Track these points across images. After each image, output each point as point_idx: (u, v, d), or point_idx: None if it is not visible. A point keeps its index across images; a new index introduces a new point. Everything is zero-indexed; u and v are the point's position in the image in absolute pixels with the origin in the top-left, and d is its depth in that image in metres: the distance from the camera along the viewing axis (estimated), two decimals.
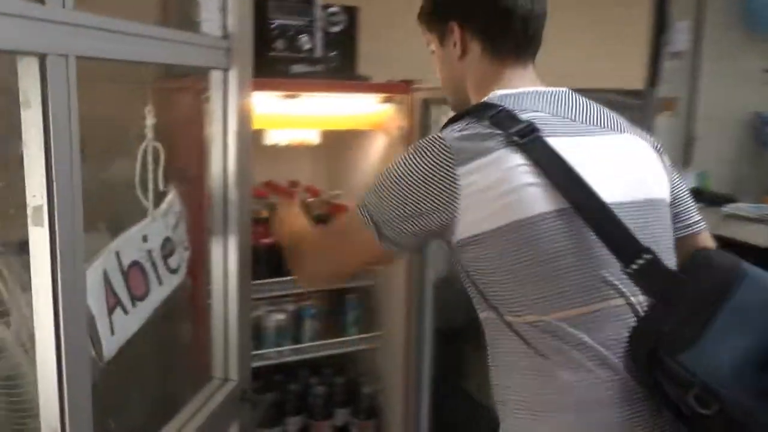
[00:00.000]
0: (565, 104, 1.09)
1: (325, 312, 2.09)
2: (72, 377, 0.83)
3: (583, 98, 1.13)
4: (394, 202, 1.04)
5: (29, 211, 0.79)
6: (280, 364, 2.00)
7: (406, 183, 1.03)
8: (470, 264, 1.03)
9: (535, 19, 1.14)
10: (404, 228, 1.04)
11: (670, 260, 1.08)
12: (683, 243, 1.14)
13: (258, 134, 1.92)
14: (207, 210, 1.32)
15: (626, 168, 1.07)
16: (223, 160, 1.29)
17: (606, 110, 1.13)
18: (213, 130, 1.28)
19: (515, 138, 0.99)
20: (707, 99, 3.33)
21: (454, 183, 0.99)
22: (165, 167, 1.18)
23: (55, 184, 0.80)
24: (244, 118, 1.30)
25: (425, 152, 1.02)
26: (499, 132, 1.01)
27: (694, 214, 1.19)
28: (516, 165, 0.98)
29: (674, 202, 1.15)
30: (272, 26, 1.90)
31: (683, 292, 0.99)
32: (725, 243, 2.98)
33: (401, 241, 1.07)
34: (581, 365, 0.98)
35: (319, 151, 2.22)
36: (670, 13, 3.13)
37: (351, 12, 2.04)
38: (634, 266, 0.97)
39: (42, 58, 0.77)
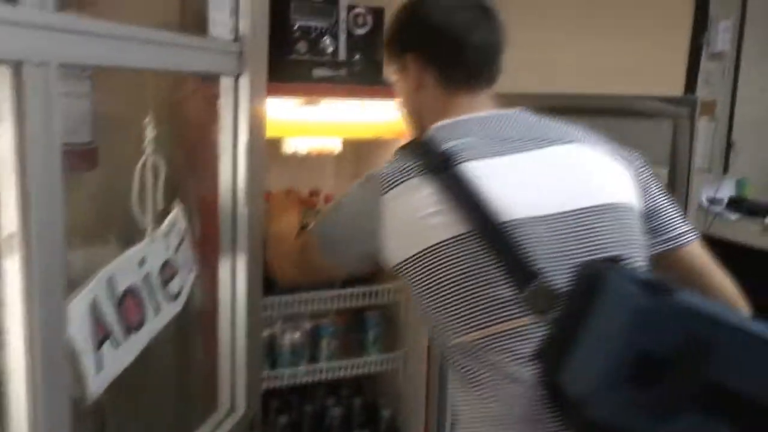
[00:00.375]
0: (503, 125, 1.09)
1: (343, 330, 1.98)
2: (49, 425, 0.73)
3: (534, 117, 1.12)
4: (338, 229, 1.15)
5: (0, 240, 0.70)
6: (295, 385, 1.90)
7: (346, 212, 1.14)
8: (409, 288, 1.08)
9: (490, 48, 1.14)
10: (346, 252, 1.14)
11: (636, 262, 1.05)
12: (670, 257, 1.13)
13: (277, 142, 1.82)
14: (217, 225, 1.23)
15: (569, 176, 1.05)
16: (232, 172, 1.19)
17: (558, 125, 1.11)
18: (222, 140, 1.18)
19: (430, 167, 1.02)
20: (747, 102, 3.17)
21: (380, 211, 1.04)
22: (171, 181, 1.10)
23: (32, 209, 0.70)
24: (257, 127, 1.20)
25: (365, 183, 1.10)
26: (418, 163, 1.03)
27: (679, 225, 1.14)
28: (426, 194, 1.00)
29: (654, 214, 1.12)
30: (294, 28, 1.80)
31: (562, 312, 0.96)
32: (765, 257, 2.83)
33: (348, 263, 1.18)
34: (498, 384, 1.00)
35: (343, 159, 2.12)
36: (711, 11, 2.98)
37: (377, 13, 1.93)
38: (525, 292, 0.97)
39: (17, 67, 0.68)
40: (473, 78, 1.13)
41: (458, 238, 0.97)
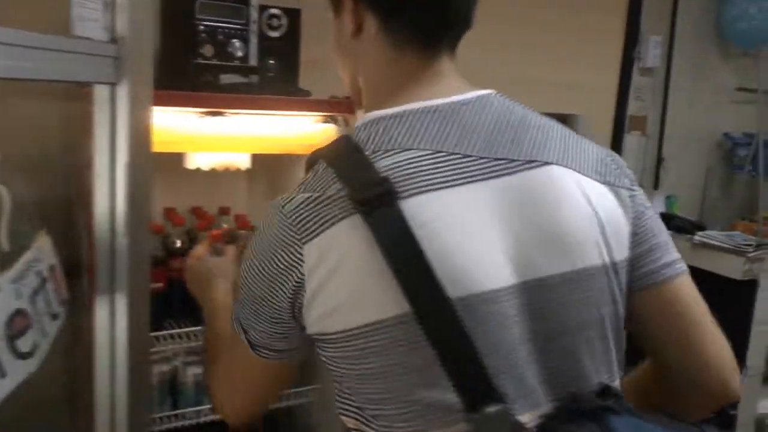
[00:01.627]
0: (466, 127, 0.77)
1: None
2: None
3: (507, 110, 0.81)
4: (248, 297, 0.80)
5: None
6: (200, 424, 1.71)
7: (253, 273, 0.79)
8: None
9: None
10: (266, 330, 0.80)
11: (590, 349, 0.79)
12: (647, 297, 0.85)
13: (180, 157, 1.64)
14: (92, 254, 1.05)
15: (543, 222, 0.76)
16: (110, 197, 1.01)
17: (537, 126, 0.81)
18: (98, 160, 1.00)
19: (359, 201, 0.72)
20: (677, 118, 3.14)
21: (299, 265, 0.74)
22: (39, 209, 0.91)
23: None
24: (140, 144, 1.02)
25: (266, 228, 0.78)
26: (343, 193, 0.73)
27: (662, 255, 0.86)
28: (354, 249, 0.71)
29: (636, 244, 0.84)
30: (199, 28, 1.62)
31: None
32: (694, 274, 2.80)
33: (276, 347, 0.82)
34: None
35: (256, 174, 1.94)
36: (642, 27, 2.93)
37: (293, 15, 1.77)
38: (477, 415, 0.70)
39: None
40: (430, 31, 0.80)
41: (399, 318, 0.71)
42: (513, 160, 0.77)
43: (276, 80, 1.72)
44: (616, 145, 2.99)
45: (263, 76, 1.70)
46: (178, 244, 1.69)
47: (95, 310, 1.05)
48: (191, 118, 1.49)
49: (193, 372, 1.66)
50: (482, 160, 0.76)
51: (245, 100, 1.54)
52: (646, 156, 3.10)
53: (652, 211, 0.88)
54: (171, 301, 1.67)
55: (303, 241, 0.73)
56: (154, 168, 1.05)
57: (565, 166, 0.79)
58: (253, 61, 1.68)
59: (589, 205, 0.79)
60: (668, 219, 3.02)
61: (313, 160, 0.79)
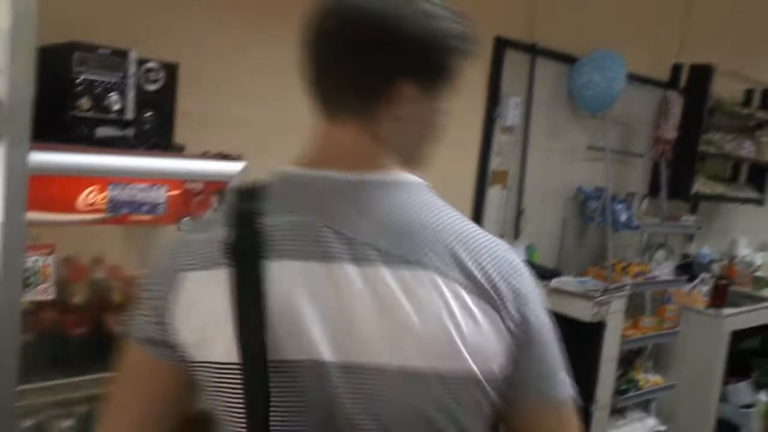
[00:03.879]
0: (352, 206, 0.80)
1: None
2: None
3: (403, 205, 0.82)
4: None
5: None
6: None
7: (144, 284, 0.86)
8: None
9: (366, 43, 0.79)
10: (145, 321, 0.84)
11: None
12: (523, 417, 0.86)
13: None
14: None
15: (396, 317, 0.77)
16: None
17: (430, 232, 0.80)
18: None
19: (235, 250, 0.78)
20: (535, 173, 3.41)
21: (173, 287, 0.81)
22: None
23: None
24: (16, 204, 1.05)
25: (166, 247, 0.87)
26: (221, 235, 0.79)
27: (544, 377, 0.86)
28: (210, 294, 0.78)
29: (517, 362, 0.83)
30: (76, 81, 1.65)
31: None
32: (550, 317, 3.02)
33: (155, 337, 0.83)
34: None
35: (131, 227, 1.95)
36: (503, 88, 3.19)
37: (171, 69, 1.83)
38: None
39: None
40: (327, 91, 0.83)
41: (227, 367, 0.77)
42: (385, 252, 0.78)
43: (151, 133, 1.76)
44: (479, 198, 3.21)
45: (139, 129, 1.74)
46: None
47: None
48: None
49: (60, 426, 1.64)
50: (348, 245, 0.78)
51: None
52: (507, 208, 3.34)
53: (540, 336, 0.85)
54: (40, 353, 1.64)
55: (178, 268, 0.81)
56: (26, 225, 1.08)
57: (441, 271, 0.78)
58: (129, 115, 1.72)
59: (451, 317, 0.77)
60: (528, 266, 3.27)
61: (225, 195, 0.86)
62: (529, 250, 3.40)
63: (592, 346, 3.04)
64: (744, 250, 4.77)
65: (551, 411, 0.86)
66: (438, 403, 0.78)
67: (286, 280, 0.77)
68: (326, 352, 0.76)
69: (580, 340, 3.15)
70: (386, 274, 0.77)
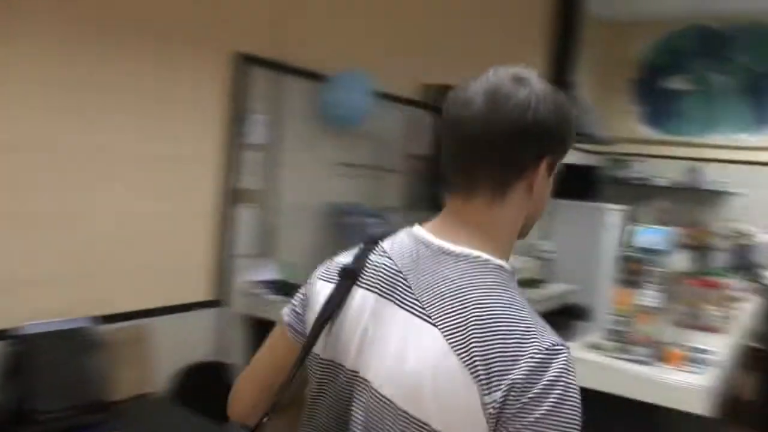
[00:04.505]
0: (424, 264, 0.98)
1: None
2: None
3: (455, 274, 0.94)
4: None
5: None
6: None
7: None
8: None
9: (463, 146, 0.98)
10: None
11: None
12: None
13: None
14: None
15: (396, 354, 0.94)
16: None
17: (460, 299, 0.91)
18: None
19: (339, 273, 1.06)
20: (288, 190, 3.40)
21: (310, 287, 1.14)
22: None
23: None
24: None
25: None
26: (346, 268, 1.05)
27: None
28: (321, 298, 1.06)
29: None
30: None
31: None
32: None
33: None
34: None
35: None
36: (248, 105, 3.14)
37: None
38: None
39: None
40: (454, 176, 1.01)
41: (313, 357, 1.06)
42: (420, 306, 0.94)
43: None
44: (227, 216, 3.13)
45: None
46: None
47: None
48: None
49: None
50: (411, 295, 0.96)
51: None
52: (259, 227, 3.29)
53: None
54: None
55: (318, 276, 1.13)
56: None
57: (448, 334, 0.89)
58: None
59: (439, 370, 0.88)
60: (282, 284, 3.23)
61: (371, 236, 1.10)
62: (286, 268, 3.38)
63: None
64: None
65: None
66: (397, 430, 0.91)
67: (358, 304, 1.01)
68: (360, 367, 0.99)
69: None
70: (412, 324, 0.93)
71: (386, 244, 1.04)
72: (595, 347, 2.81)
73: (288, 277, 3.35)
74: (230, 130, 3.10)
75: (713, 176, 6.53)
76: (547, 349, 0.86)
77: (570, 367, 0.86)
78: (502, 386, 0.83)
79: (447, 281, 0.93)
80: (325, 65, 3.43)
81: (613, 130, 6.15)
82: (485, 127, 0.95)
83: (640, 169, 6.82)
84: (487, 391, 0.84)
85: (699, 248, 5.95)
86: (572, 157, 4.86)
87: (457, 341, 0.87)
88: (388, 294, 0.98)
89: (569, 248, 5.62)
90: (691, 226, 6.34)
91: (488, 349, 0.85)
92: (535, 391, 0.83)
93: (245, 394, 1.18)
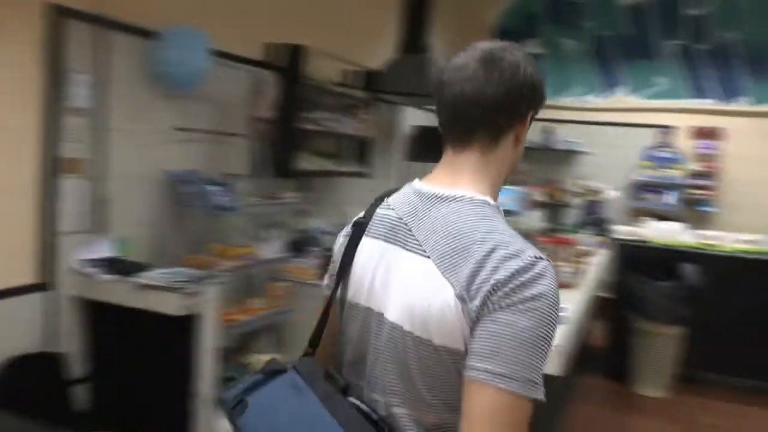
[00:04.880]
0: (422, 210, 1.16)
1: None
2: None
3: (449, 213, 1.12)
4: None
5: None
6: None
7: None
8: None
9: (468, 102, 1.14)
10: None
11: (408, 395, 1.11)
12: (463, 388, 1.04)
13: None
14: None
15: (399, 288, 1.13)
16: None
17: (451, 232, 1.10)
18: None
19: (350, 227, 1.26)
20: (120, 158, 3.11)
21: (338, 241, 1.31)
22: None
23: None
24: None
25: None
26: (363, 218, 1.24)
27: (478, 359, 1.01)
28: (339, 244, 1.28)
29: (470, 343, 1.03)
30: None
31: None
32: (138, 315, 2.77)
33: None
34: None
35: None
36: (67, 64, 2.82)
37: None
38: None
39: None
40: (449, 131, 1.19)
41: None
42: (415, 243, 1.13)
43: None
44: (49, 189, 2.81)
45: None
46: None
47: None
48: None
49: None
50: (401, 236, 1.16)
51: None
52: (88, 199, 2.99)
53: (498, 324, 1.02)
54: None
55: (343, 232, 1.31)
56: None
57: (439, 261, 1.08)
58: None
59: (429, 293, 1.07)
60: (116, 264, 2.96)
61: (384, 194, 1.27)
62: (121, 244, 3.11)
63: (187, 339, 2.87)
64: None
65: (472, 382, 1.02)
66: (407, 351, 1.10)
67: (367, 251, 1.20)
68: (373, 304, 1.18)
69: (175, 336, 2.98)
70: (410, 259, 1.12)
71: (390, 199, 1.23)
72: None
73: (123, 254, 3.08)
74: (48, 94, 2.77)
75: (565, 137, 6.76)
76: (527, 258, 1.03)
77: (549, 273, 1.04)
78: (483, 291, 1.02)
79: (439, 219, 1.12)
80: (156, 21, 3.15)
81: None
82: (483, 86, 1.12)
83: None
84: (469, 301, 1.03)
85: (554, 206, 6.17)
86: (426, 120, 4.89)
87: (444, 266, 1.07)
88: (392, 239, 1.17)
89: None
90: (546, 184, 6.57)
91: (469, 265, 1.04)
92: (513, 285, 1.01)
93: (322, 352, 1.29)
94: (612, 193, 6.24)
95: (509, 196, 2.88)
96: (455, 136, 1.18)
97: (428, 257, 1.09)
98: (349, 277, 1.21)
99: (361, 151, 4.94)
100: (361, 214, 1.24)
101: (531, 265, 1.02)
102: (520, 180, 6.09)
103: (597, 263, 4.46)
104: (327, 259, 1.34)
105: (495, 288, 1.01)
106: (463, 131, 1.16)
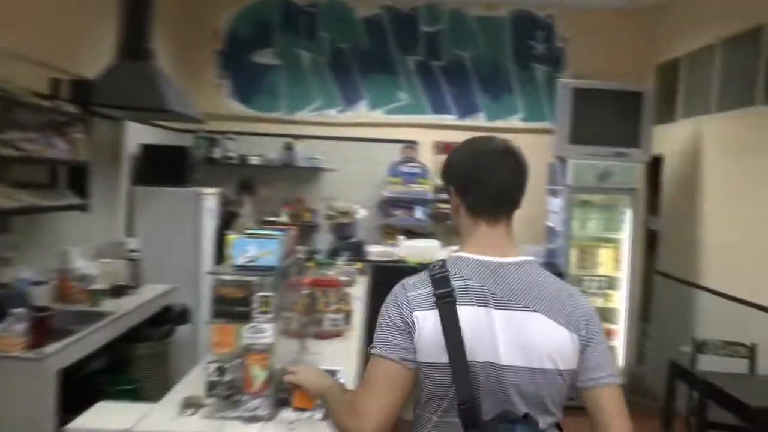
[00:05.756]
0: (495, 277, 1.52)
1: None
2: None
3: (523, 275, 1.54)
4: (380, 333, 1.54)
5: None
6: None
7: (386, 317, 1.55)
8: None
9: (507, 188, 1.57)
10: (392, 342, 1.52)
11: (541, 413, 1.50)
12: (588, 395, 1.53)
13: None
14: None
15: (520, 339, 1.48)
16: None
17: (537, 290, 1.53)
18: None
19: (436, 300, 1.49)
20: None
21: (412, 321, 1.51)
22: None
23: None
24: None
25: (393, 296, 1.57)
26: (431, 291, 1.51)
27: (598, 371, 1.52)
28: (432, 324, 1.49)
29: (582, 362, 1.53)
30: None
31: None
32: None
33: (397, 351, 1.51)
34: None
35: None
36: None
37: None
38: (462, 407, 1.47)
39: None
40: (491, 210, 1.58)
41: (438, 365, 1.48)
42: (517, 304, 1.50)
43: None
44: None
45: None
46: None
47: None
48: None
49: None
50: (500, 299, 1.50)
51: None
52: None
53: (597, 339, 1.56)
54: None
55: (413, 310, 1.51)
56: None
57: (546, 314, 1.51)
58: None
59: (553, 333, 1.50)
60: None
61: (428, 266, 1.57)
62: None
63: None
64: (79, 262, 4.13)
65: (598, 391, 1.54)
66: (543, 387, 1.50)
67: (466, 316, 1.49)
68: (492, 357, 1.48)
69: None
70: (520, 317, 1.50)
71: (452, 270, 1.53)
72: (194, 405, 2.17)
73: None
74: None
75: (307, 153, 6.38)
76: (581, 293, 1.62)
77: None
78: (581, 323, 1.53)
79: (521, 281, 1.52)
80: None
81: (201, 106, 5.50)
82: (523, 175, 1.59)
83: (233, 148, 6.34)
84: (577, 332, 1.52)
85: (301, 227, 5.74)
86: (155, 137, 4.12)
87: (551, 314, 1.50)
88: (482, 303, 1.49)
89: (161, 242, 4.87)
90: (290, 204, 6.12)
91: (566, 309, 1.52)
92: (591, 314, 1.56)
93: (377, 416, 1.49)
94: (362, 212, 5.98)
95: (264, 247, 2.28)
96: (493, 213, 1.58)
97: (535, 311, 1.50)
98: (459, 342, 1.46)
99: (75, 178, 4.01)
100: (424, 290, 1.52)
101: (586, 297, 1.62)
102: (265, 209, 5.54)
103: (359, 297, 4.08)
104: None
105: (587, 319, 1.54)
106: (503, 210, 1.58)
